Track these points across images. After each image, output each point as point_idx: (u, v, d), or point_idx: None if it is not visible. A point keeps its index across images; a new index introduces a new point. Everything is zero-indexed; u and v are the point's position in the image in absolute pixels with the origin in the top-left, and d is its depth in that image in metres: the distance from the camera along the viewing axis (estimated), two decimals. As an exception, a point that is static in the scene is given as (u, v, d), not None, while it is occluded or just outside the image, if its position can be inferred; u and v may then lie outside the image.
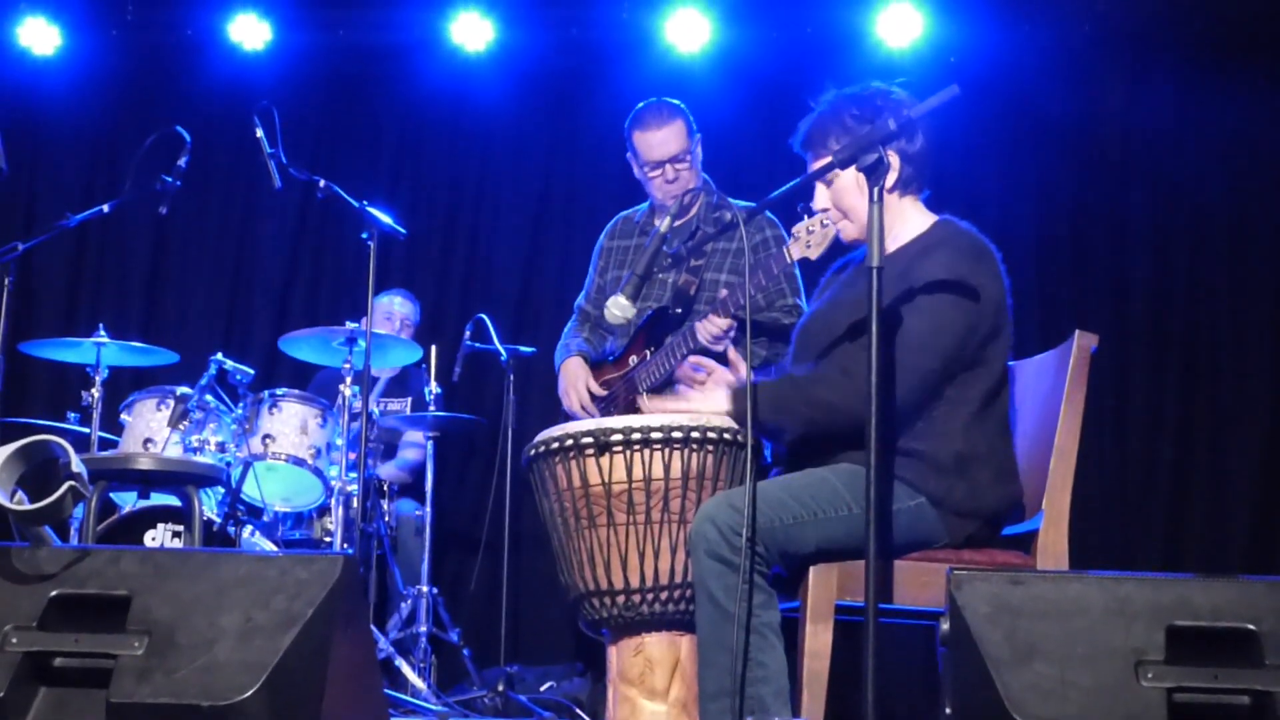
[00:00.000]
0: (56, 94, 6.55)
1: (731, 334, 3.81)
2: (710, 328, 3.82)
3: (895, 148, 2.94)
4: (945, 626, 2.27)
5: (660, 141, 4.20)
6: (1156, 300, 6.12)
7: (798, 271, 4.05)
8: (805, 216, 3.31)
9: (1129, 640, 2.15)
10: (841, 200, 3.11)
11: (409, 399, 5.85)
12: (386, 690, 4.39)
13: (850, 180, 3.04)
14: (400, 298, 6.03)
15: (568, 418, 4.20)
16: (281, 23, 6.41)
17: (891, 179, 3.02)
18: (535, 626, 6.15)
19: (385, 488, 5.46)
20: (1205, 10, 6.06)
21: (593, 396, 4.25)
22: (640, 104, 4.32)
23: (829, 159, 2.98)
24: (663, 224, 3.11)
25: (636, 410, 4.01)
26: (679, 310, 4.15)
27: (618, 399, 4.18)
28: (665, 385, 4.05)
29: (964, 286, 2.90)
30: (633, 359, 4.18)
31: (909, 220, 3.09)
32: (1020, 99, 6.21)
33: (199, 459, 4.61)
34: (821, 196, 3.16)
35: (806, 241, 3.35)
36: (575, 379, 4.31)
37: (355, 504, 4.89)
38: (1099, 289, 6.16)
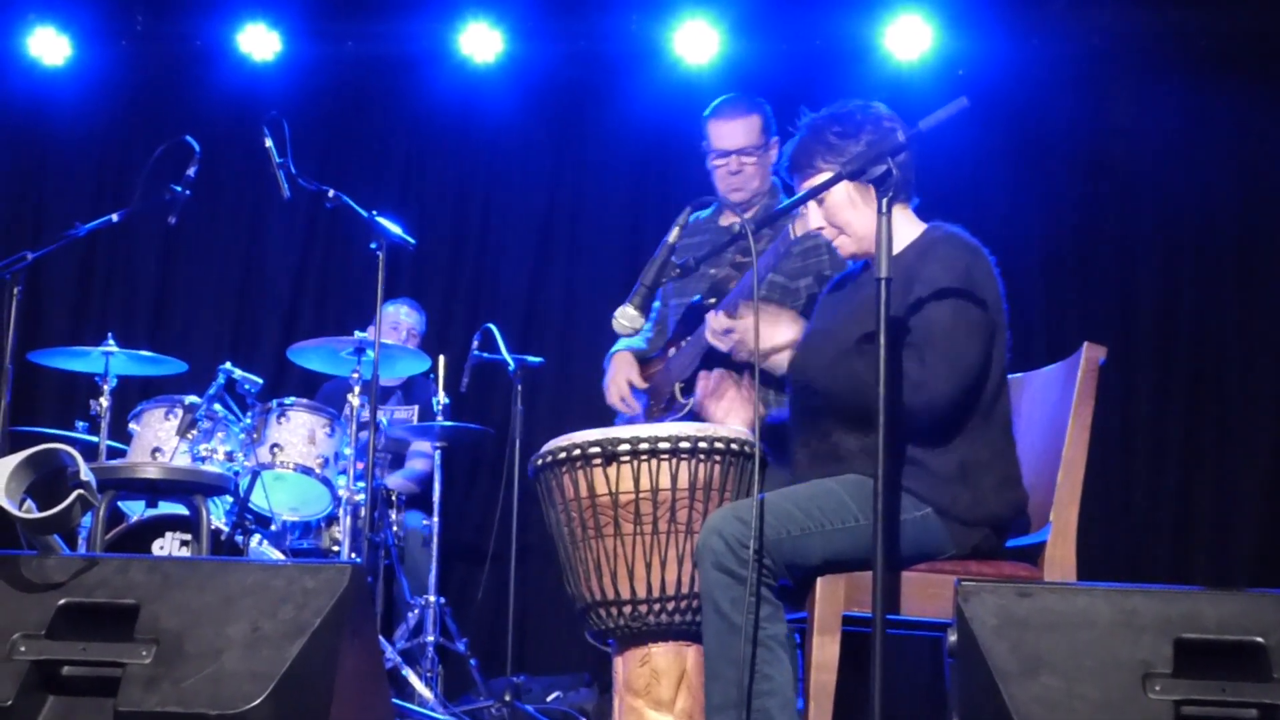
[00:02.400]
0: (66, 104, 6.57)
1: (733, 335, 3.78)
2: (714, 324, 3.79)
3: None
4: (952, 638, 2.27)
5: (729, 132, 4.15)
6: (1164, 314, 6.12)
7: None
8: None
9: (1136, 653, 2.15)
10: (835, 216, 3.11)
11: (416, 408, 5.85)
12: (393, 700, 4.39)
13: (842, 196, 3.06)
14: (406, 307, 6.02)
15: (575, 426, 4.18)
16: (291, 33, 6.42)
17: None
18: (542, 637, 6.15)
19: (393, 497, 5.46)
20: (1213, 25, 6.06)
21: (635, 390, 4.24)
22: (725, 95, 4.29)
23: (821, 176, 3.00)
24: (670, 235, 3.10)
25: (673, 400, 4.00)
26: (714, 302, 4.13)
27: (660, 391, 4.18)
28: (694, 378, 4.03)
29: (971, 281, 2.93)
30: (671, 350, 4.18)
31: (900, 228, 3.09)
32: (1028, 112, 6.21)
33: (207, 468, 4.62)
34: (815, 215, 3.16)
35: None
36: (617, 372, 4.28)
37: (363, 514, 4.89)
38: (1106, 302, 6.15)
